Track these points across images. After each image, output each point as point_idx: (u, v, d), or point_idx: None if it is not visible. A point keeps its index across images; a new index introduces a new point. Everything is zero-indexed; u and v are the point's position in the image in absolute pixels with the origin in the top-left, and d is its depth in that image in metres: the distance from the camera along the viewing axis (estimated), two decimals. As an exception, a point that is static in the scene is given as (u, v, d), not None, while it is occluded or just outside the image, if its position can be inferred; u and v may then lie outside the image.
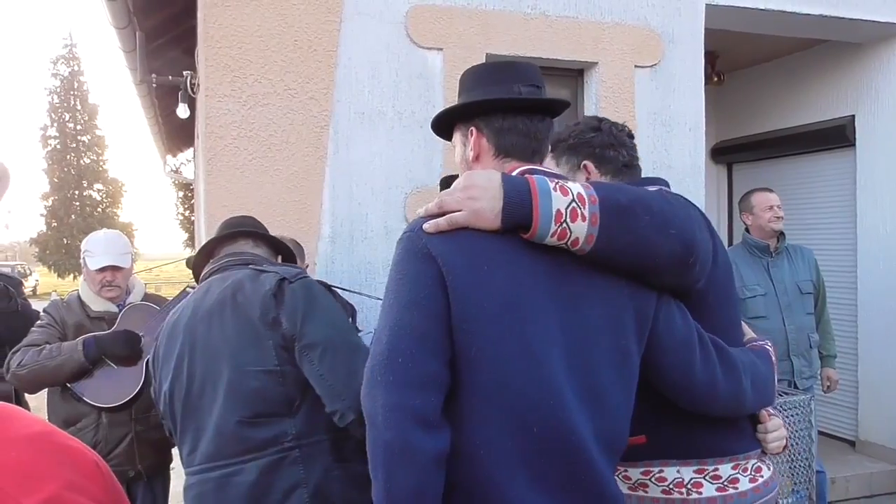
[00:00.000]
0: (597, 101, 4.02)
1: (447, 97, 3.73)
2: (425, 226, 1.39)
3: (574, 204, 1.37)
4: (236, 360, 1.86)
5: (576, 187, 1.41)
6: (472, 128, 1.58)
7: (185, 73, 4.46)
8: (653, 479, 1.70)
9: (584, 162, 1.91)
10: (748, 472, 1.71)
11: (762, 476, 1.73)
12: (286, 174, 3.51)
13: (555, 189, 1.38)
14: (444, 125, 1.69)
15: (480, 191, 1.37)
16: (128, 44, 5.42)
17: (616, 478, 1.62)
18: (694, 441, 1.67)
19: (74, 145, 38.27)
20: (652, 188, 1.54)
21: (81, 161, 38.40)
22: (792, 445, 3.21)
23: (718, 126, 6.47)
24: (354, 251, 3.63)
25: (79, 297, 2.90)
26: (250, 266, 2.02)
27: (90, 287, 2.89)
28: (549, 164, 1.96)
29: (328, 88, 3.57)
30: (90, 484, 1.38)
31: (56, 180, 37.44)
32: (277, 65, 3.48)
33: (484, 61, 3.80)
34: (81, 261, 2.94)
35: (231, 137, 3.43)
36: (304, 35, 3.53)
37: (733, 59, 6.04)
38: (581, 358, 1.39)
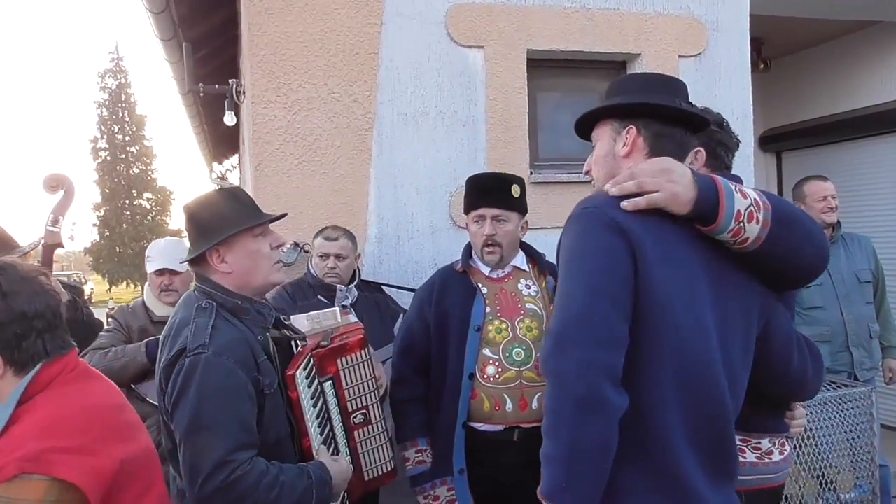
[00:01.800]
0: (640, 93, 3.97)
1: (489, 95, 3.74)
2: (624, 204, 1.52)
3: (752, 207, 1.53)
4: None
5: (752, 193, 1.56)
6: (633, 126, 1.67)
7: (230, 81, 4.54)
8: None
9: (699, 149, 2.01)
10: (777, 447, 2.02)
11: (786, 450, 2.05)
12: (332, 177, 3.55)
13: (736, 191, 1.53)
14: (589, 124, 1.80)
15: (678, 176, 1.51)
16: (173, 55, 5.55)
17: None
18: (745, 418, 1.79)
19: (124, 156, 39.24)
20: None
21: (131, 171, 39.35)
22: (853, 439, 3.13)
23: (766, 114, 6.33)
24: (401, 251, 3.65)
25: (143, 302, 3.00)
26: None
27: (152, 292, 2.98)
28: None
29: (371, 91, 3.60)
30: (95, 461, 1.47)
31: (107, 191, 38.43)
32: (321, 69, 3.53)
33: (525, 58, 3.80)
34: (147, 267, 3.03)
35: (277, 143, 3.48)
36: (345, 39, 3.57)
37: (780, 44, 5.91)
38: (727, 343, 1.55)
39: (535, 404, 2.53)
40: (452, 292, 2.69)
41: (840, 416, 3.05)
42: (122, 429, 1.62)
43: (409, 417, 2.69)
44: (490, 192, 2.72)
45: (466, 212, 2.78)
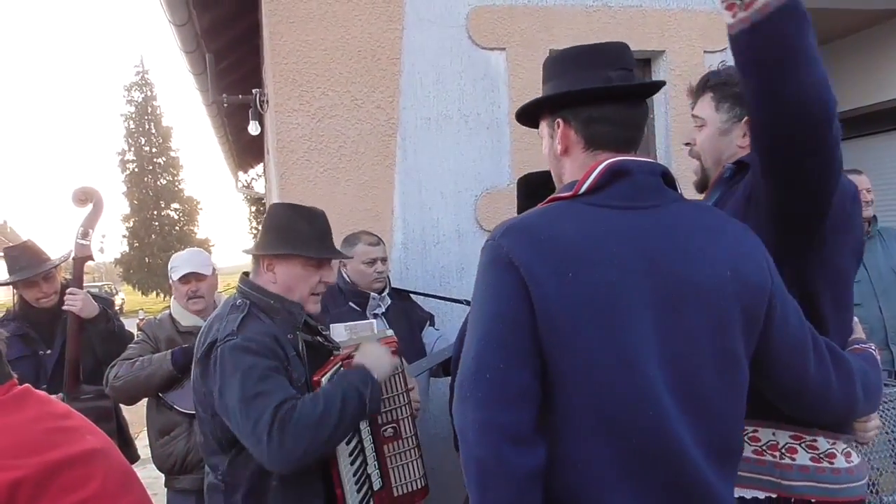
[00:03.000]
0: (666, 90, 3.92)
1: (512, 97, 3.71)
2: None
3: None
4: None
5: None
6: (559, 120, 1.48)
7: (253, 90, 4.56)
8: (745, 438, 1.66)
9: (749, 118, 1.72)
10: (841, 452, 1.67)
11: (852, 461, 1.67)
12: (357, 184, 3.54)
13: None
14: (531, 116, 1.60)
15: None
16: (197, 66, 5.60)
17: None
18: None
19: (151, 167, 39.78)
20: None
21: (158, 182, 39.88)
22: (895, 440, 3.04)
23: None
24: (427, 256, 3.63)
25: (170, 314, 3.01)
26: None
27: (179, 302, 2.99)
28: (706, 103, 1.89)
29: (393, 96, 3.59)
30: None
31: (136, 202, 38.98)
32: (343, 76, 3.52)
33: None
34: (170, 279, 3.04)
35: (302, 151, 3.48)
36: (367, 45, 3.56)
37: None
38: (681, 364, 1.31)
39: None
40: None
41: (881, 416, 2.96)
42: (24, 445, 1.61)
43: None
44: (542, 191, 2.67)
45: (520, 211, 2.74)
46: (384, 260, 3.06)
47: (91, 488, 1.62)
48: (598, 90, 1.44)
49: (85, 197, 3.16)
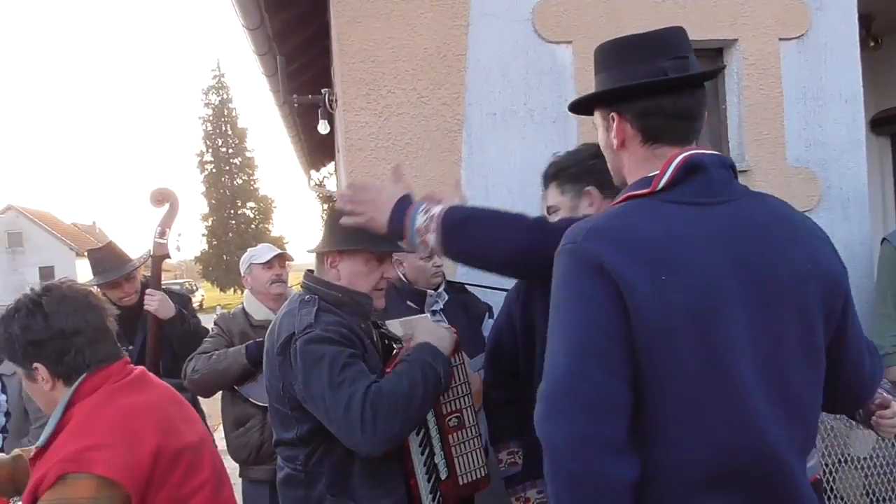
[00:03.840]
0: (739, 80, 3.81)
1: (578, 90, 3.67)
2: (343, 220, 1.79)
3: (427, 222, 1.75)
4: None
5: (436, 209, 1.76)
6: (614, 114, 1.46)
7: (322, 90, 4.66)
8: None
9: (588, 188, 2.03)
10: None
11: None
12: (423, 180, 3.57)
13: (421, 212, 1.78)
14: (586, 107, 1.59)
15: (379, 203, 1.83)
16: (269, 68, 5.75)
17: None
18: None
19: (228, 168, 41.12)
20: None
21: (234, 182, 41.18)
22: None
23: (878, 94, 5.93)
24: (494, 252, 3.63)
25: (243, 308, 3.12)
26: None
27: (257, 292, 3.09)
28: (553, 192, 2.13)
29: (459, 92, 3.61)
30: (130, 458, 1.57)
31: (213, 202, 40.36)
32: (409, 74, 3.56)
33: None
34: (245, 273, 3.14)
35: (370, 149, 3.54)
36: (432, 42, 3.59)
37: (892, 19, 5.53)
38: (771, 363, 1.29)
39: None
40: (538, 293, 2.63)
41: None
42: (160, 423, 1.72)
43: (500, 420, 2.67)
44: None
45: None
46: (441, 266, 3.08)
47: (205, 474, 1.77)
48: (652, 84, 1.41)
49: (161, 197, 3.30)
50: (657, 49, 1.44)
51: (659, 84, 1.41)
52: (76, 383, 1.68)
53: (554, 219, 2.08)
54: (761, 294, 1.29)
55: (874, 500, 3.23)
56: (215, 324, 3.09)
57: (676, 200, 1.34)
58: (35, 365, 1.68)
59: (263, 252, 3.08)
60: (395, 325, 2.50)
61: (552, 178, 2.14)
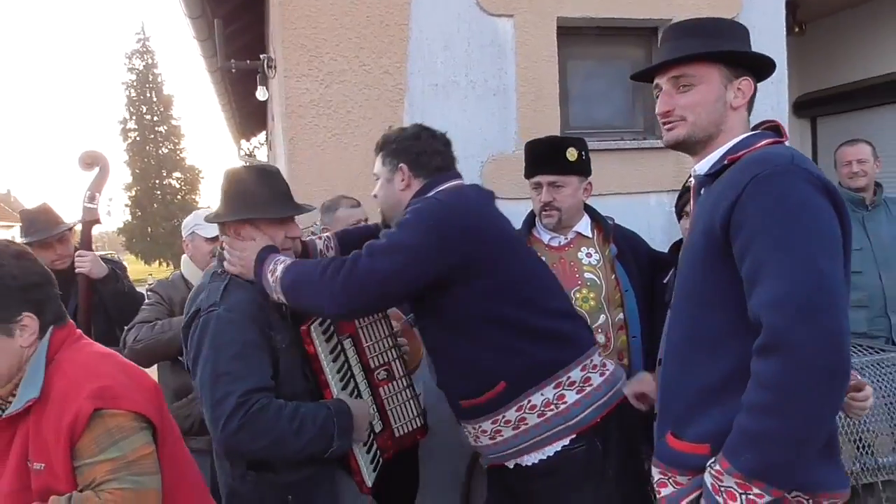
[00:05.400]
0: (673, 59, 3.92)
1: (519, 63, 3.72)
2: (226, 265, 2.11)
3: (274, 283, 2.00)
4: None
5: (280, 269, 2.00)
6: (748, 79, 1.70)
7: (261, 56, 4.56)
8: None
9: (401, 164, 2.21)
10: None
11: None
12: (365, 149, 3.55)
13: (269, 274, 2.02)
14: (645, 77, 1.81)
15: (247, 262, 2.07)
16: (202, 32, 5.57)
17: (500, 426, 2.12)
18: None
19: (152, 136, 39.61)
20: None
21: (160, 151, 39.73)
22: (891, 404, 3.11)
23: (800, 78, 6.21)
24: (434, 222, 3.66)
25: (181, 275, 3.05)
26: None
27: (196, 260, 3.02)
28: (378, 161, 2.31)
29: (401, 62, 3.60)
30: (143, 393, 1.56)
31: (137, 171, 38.88)
32: (352, 41, 3.53)
33: (555, 25, 3.76)
34: (187, 238, 3.06)
35: (311, 116, 3.51)
36: (375, 10, 3.57)
37: (816, 6, 5.78)
38: None
39: None
40: None
41: (878, 380, 3.02)
42: (137, 371, 1.73)
43: None
44: (544, 158, 2.71)
45: (526, 178, 2.79)
46: (367, 221, 3.10)
47: (175, 427, 1.76)
48: (769, 65, 1.73)
49: (91, 161, 3.18)
50: (746, 34, 1.75)
51: (771, 64, 1.73)
52: (48, 335, 1.62)
53: (376, 186, 2.31)
54: None
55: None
56: (153, 290, 3.00)
57: None
58: (26, 314, 1.59)
59: (206, 225, 3.01)
60: None
61: (379, 149, 2.31)
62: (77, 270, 3.07)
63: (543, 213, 2.68)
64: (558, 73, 3.80)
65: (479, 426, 2.15)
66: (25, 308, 1.59)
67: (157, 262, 38.01)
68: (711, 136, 1.68)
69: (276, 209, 2.14)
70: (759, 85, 1.74)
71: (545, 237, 2.73)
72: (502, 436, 2.11)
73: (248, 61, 5.06)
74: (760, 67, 1.73)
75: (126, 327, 2.86)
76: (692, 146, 1.72)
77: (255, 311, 2.01)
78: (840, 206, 1.47)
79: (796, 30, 5.76)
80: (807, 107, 6.30)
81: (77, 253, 3.11)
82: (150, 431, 1.60)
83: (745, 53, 1.69)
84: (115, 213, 38.26)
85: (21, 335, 1.59)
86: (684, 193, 2.56)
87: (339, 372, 2.18)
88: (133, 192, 38.81)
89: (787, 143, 1.64)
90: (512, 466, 2.15)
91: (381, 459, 2.28)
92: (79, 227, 3.22)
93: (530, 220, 2.79)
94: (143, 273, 26.51)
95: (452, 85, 3.68)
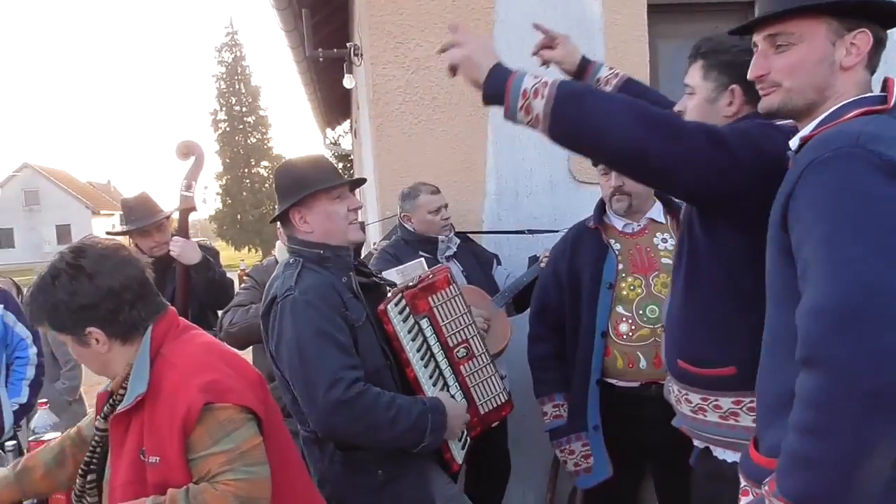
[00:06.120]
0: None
1: (607, 44, 3.62)
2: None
3: (538, 85, 1.59)
4: None
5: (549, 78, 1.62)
6: (865, 31, 1.39)
7: (347, 44, 4.61)
8: (744, 409, 1.74)
9: (734, 86, 1.83)
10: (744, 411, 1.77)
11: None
12: (450, 135, 3.56)
13: (533, 76, 1.62)
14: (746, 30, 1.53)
15: (482, 57, 1.68)
16: (288, 23, 5.69)
17: (707, 406, 1.80)
18: None
19: (241, 126, 40.88)
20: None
21: (248, 141, 40.99)
22: None
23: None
24: (520, 207, 3.63)
25: (276, 260, 3.13)
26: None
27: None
28: (696, 71, 1.91)
29: (487, 46, 3.56)
30: (248, 386, 1.60)
31: (227, 160, 40.24)
32: (437, 27, 3.52)
33: (645, 3, 3.64)
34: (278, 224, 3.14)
35: (397, 103, 3.52)
36: (461, -6, 3.54)
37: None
38: None
39: None
40: (584, 249, 2.65)
41: None
42: (242, 363, 1.76)
43: (545, 373, 2.71)
44: None
45: (594, 164, 2.73)
46: (447, 206, 3.15)
47: (278, 412, 1.82)
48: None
49: (187, 150, 3.29)
50: None
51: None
52: (147, 335, 1.66)
53: (688, 102, 1.93)
54: None
55: None
56: (248, 275, 3.10)
57: None
58: (89, 329, 1.62)
59: None
60: (392, 274, 2.58)
61: (701, 56, 1.91)
62: (170, 253, 3.19)
63: (614, 198, 2.63)
64: (648, 53, 3.68)
65: (686, 394, 1.90)
66: (87, 325, 1.63)
67: (247, 248, 39.29)
68: (815, 102, 1.44)
69: (331, 181, 2.17)
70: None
71: (619, 224, 2.68)
72: (704, 415, 1.85)
73: (335, 50, 5.13)
74: (884, 14, 1.41)
75: (222, 311, 2.96)
76: (794, 115, 1.49)
77: (328, 293, 2.06)
78: None
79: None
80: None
81: (172, 240, 3.23)
82: (256, 422, 1.63)
83: (857, 1, 1.40)
84: (208, 200, 39.73)
85: (96, 344, 1.65)
86: None
87: (419, 351, 2.22)
88: (223, 181, 40.20)
89: (891, 111, 1.37)
90: (702, 447, 1.92)
91: (468, 438, 2.30)
92: (176, 215, 3.35)
93: (601, 207, 2.74)
94: (233, 259, 27.43)
95: (540, 68, 3.61)
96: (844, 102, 1.40)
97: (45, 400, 2.71)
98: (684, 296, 1.85)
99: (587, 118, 1.58)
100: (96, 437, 1.71)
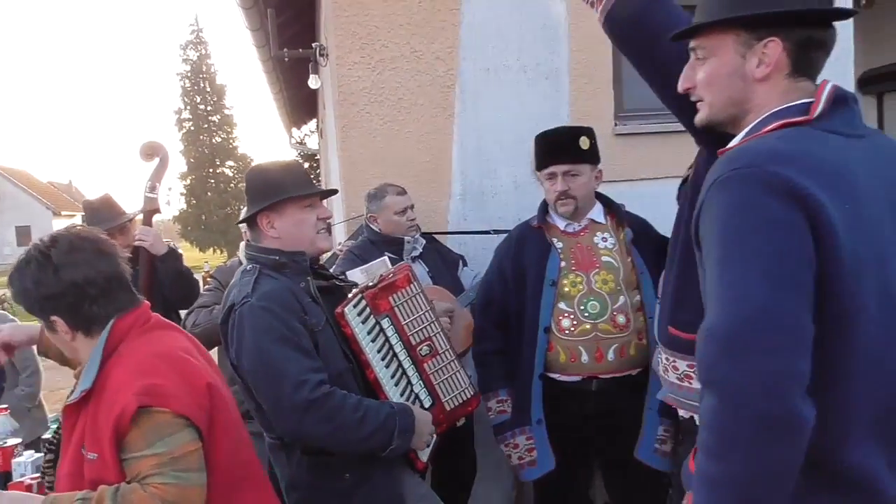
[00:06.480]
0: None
1: (572, 46, 3.66)
2: None
3: None
4: None
5: None
6: (774, 39, 1.33)
7: (313, 44, 4.59)
8: (669, 367, 1.84)
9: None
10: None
11: None
12: (416, 135, 3.56)
13: None
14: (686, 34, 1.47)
15: None
16: (254, 22, 5.65)
17: (693, 373, 1.79)
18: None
19: (206, 126, 40.33)
20: None
21: (213, 140, 40.44)
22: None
23: (867, 53, 5.96)
24: (485, 207, 3.66)
25: (239, 261, 3.10)
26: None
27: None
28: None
29: (453, 47, 3.58)
30: (192, 395, 1.62)
31: (192, 160, 39.66)
32: (403, 28, 3.52)
33: (609, 5, 3.68)
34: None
35: (363, 103, 3.52)
36: (426, -5, 3.54)
37: (882, -22, 5.53)
38: None
39: (610, 356, 2.55)
40: (529, 248, 2.71)
41: None
42: (200, 361, 1.77)
43: (489, 369, 2.74)
44: (558, 147, 2.71)
45: (538, 169, 2.79)
46: (412, 207, 3.17)
47: (234, 412, 1.81)
48: (828, 12, 1.36)
49: (151, 152, 3.25)
50: None
51: (829, 13, 1.37)
52: (107, 329, 1.67)
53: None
54: None
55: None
56: (212, 276, 3.07)
57: (834, 130, 1.29)
58: (53, 318, 1.68)
59: None
60: (356, 275, 2.57)
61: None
62: (137, 243, 3.13)
63: (559, 202, 2.68)
64: (612, 54, 3.72)
65: (674, 362, 1.91)
66: (50, 312, 1.68)
67: (212, 249, 38.81)
68: (736, 116, 1.41)
69: (303, 189, 2.17)
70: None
71: (561, 224, 2.74)
72: (690, 382, 1.86)
73: (301, 50, 5.10)
74: (798, 20, 1.34)
75: (186, 312, 2.93)
76: (724, 128, 1.46)
77: (286, 298, 2.05)
78: (818, 213, 1.16)
79: (864, 2, 5.53)
80: (873, 82, 6.07)
81: (139, 229, 3.18)
82: (195, 430, 1.63)
83: (756, 15, 1.34)
84: (172, 202, 39.14)
85: (62, 332, 1.70)
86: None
87: (379, 351, 2.22)
88: (188, 181, 39.64)
89: (814, 121, 1.31)
90: (686, 417, 1.94)
91: (434, 434, 2.29)
92: (139, 217, 3.30)
93: (545, 207, 2.79)
94: (198, 260, 27.11)
95: (504, 69, 3.64)
96: (766, 115, 1.37)
97: (5, 406, 2.65)
98: (682, 264, 1.87)
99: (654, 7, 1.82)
100: (60, 420, 1.75)
